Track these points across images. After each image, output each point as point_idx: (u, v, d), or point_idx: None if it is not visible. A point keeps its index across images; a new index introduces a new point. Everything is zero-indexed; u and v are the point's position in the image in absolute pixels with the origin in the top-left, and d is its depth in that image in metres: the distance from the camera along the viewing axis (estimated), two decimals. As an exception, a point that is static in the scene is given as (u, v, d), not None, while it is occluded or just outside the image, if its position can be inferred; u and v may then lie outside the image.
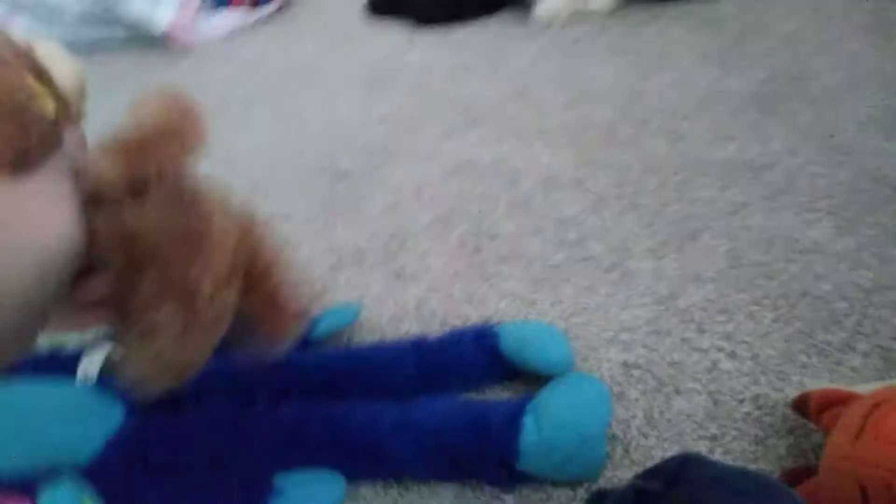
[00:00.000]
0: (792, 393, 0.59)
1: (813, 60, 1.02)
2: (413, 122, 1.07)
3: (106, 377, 0.60)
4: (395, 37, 1.36)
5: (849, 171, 0.81)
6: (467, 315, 0.74)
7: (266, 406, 0.56)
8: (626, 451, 0.60)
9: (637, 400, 0.63)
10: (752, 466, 0.57)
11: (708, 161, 0.87)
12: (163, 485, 0.52)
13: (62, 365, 0.61)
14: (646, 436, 0.60)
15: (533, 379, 0.63)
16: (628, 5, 1.26)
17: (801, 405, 0.55)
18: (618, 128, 0.96)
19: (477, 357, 0.62)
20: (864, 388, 0.51)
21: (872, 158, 0.83)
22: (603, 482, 0.57)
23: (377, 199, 0.92)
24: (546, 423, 0.54)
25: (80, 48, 1.46)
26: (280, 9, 1.59)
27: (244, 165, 1.04)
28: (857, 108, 0.91)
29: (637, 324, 0.70)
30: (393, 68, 1.26)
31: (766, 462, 0.57)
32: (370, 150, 1.03)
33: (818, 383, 0.60)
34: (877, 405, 0.45)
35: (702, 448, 0.59)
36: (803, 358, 0.63)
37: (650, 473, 0.44)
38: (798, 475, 0.50)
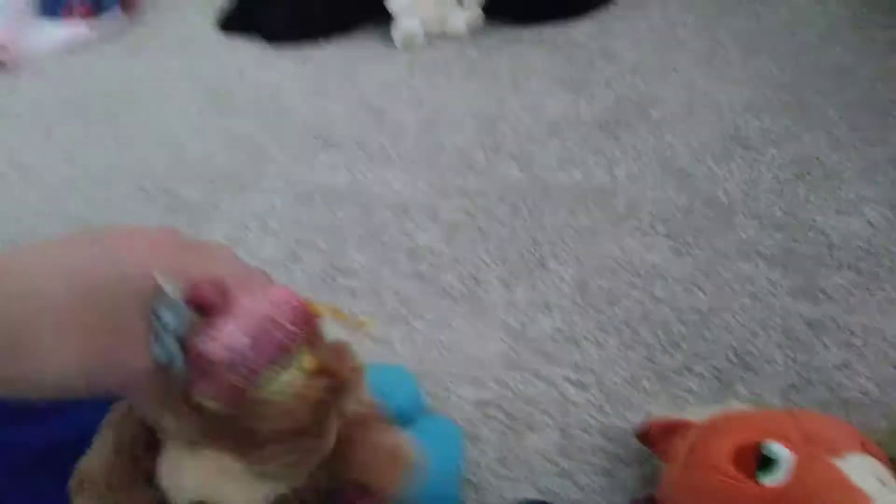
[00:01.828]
0: (637, 420, 0.59)
1: (654, 88, 1.07)
2: (261, 146, 1.00)
3: None
4: (246, 55, 1.28)
5: (684, 194, 0.85)
6: (313, 357, 0.68)
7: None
8: (478, 493, 0.58)
9: (489, 439, 0.60)
10: (601, 499, 0.56)
11: (557, 186, 0.88)
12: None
13: None
14: (498, 476, 0.58)
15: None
16: (486, 28, 1.27)
17: (644, 435, 0.55)
18: (471, 153, 0.95)
19: None
20: (702, 413, 0.52)
21: (704, 182, 0.87)
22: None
23: (217, 232, 0.85)
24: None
25: None
26: (125, 22, 1.45)
27: (67, 194, 0.92)
28: (692, 134, 0.96)
29: (489, 358, 0.68)
30: (243, 88, 1.18)
31: (615, 493, 0.56)
32: (213, 177, 0.95)
33: (660, 409, 0.61)
34: (702, 434, 0.46)
35: (553, 484, 0.57)
36: (646, 384, 0.63)
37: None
38: (641, 510, 0.49)
